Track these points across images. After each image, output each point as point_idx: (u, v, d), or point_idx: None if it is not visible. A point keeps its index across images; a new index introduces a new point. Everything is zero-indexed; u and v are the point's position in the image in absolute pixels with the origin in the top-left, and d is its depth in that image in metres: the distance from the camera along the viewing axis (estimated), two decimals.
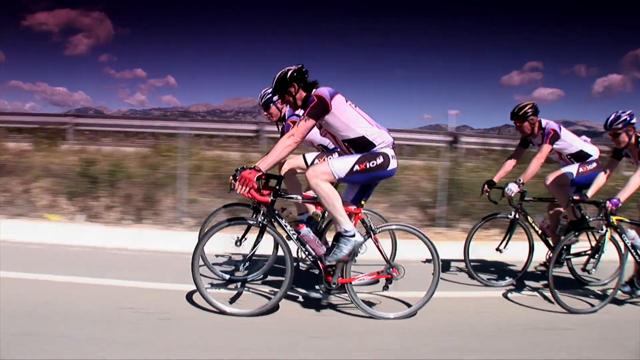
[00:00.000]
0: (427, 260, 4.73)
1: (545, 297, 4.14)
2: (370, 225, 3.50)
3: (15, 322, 3.03)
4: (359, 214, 3.49)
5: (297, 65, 3.42)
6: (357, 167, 3.33)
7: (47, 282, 3.96)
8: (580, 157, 4.74)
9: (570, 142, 4.73)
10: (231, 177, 3.61)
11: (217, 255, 4.73)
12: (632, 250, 4.04)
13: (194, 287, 3.46)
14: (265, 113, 4.44)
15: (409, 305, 3.68)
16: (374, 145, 3.39)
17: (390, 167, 3.41)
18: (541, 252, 4.75)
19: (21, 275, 4.07)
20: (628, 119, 4.09)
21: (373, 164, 3.35)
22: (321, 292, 3.50)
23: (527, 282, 4.70)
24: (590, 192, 4.17)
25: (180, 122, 10.04)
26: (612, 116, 4.12)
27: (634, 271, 4.18)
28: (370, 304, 3.64)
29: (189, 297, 3.67)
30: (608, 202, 3.84)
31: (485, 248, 5.06)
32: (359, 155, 3.37)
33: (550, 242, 4.72)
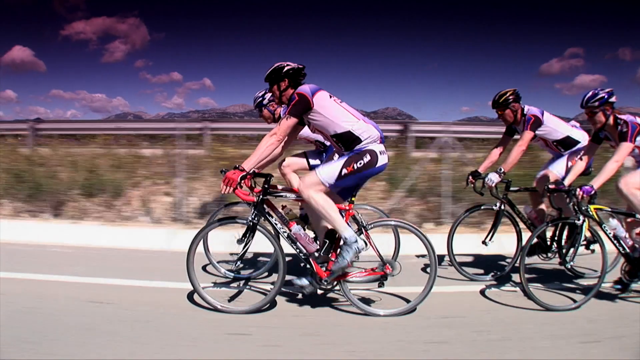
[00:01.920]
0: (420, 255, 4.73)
1: (525, 293, 3.83)
2: (362, 222, 3.47)
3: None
4: (350, 210, 3.46)
5: (299, 64, 3.43)
6: (345, 171, 3.30)
7: None
8: (568, 143, 4.51)
9: (555, 127, 4.50)
10: None
11: (230, 254, 4.80)
12: (615, 241, 3.77)
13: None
14: (259, 115, 4.49)
15: (407, 301, 3.62)
16: (361, 140, 3.35)
17: (379, 163, 3.37)
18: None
19: None
20: (605, 96, 3.80)
21: (360, 163, 3.31)
22: (312, 282, 3.49)
23: (513, 276, 4.49)
24: (567, 181, 3.92)
25: None
26: (589, 93, 3.85)
27: (622, 264, 3.90)
28: (367, 301, 3.61)
29: (190, 295, 3.74)
30: (578, 189, 3.57)
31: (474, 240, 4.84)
32: (345, 158, 3.34)
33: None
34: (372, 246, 3.47)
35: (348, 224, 3.42)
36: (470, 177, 4.60)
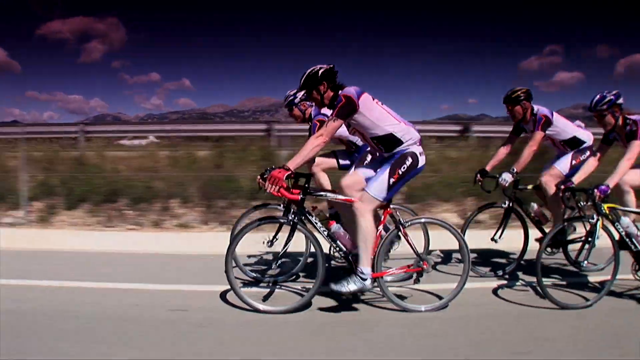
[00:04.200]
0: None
1: (538, 292, 3.85)
2: (400, 219, 3.54)
3: None
4: (388, 209, 3.53)
5: (328, 64, 3.45)
6: (392, 180, 3.38)
7: None
8: (574, 143, 4.60)
9: (563, 127, 4.60)
10: (259, 177, 3.67)
11: (248, 256, 4.80)
12: (627, 239, 3.83)
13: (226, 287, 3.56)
14: (289, 114, 4.51)
15: (440, 298, 3.70)
16: (402, 143, 3.43)
17: (420, 164, 3.47)
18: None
19: None
20: (613, 99, 3.86)
21: (404, 167, 3.40)
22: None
23: (521, 275, 4.54)
24: (576, 179, 3.98)
25: None
26: (597, 96, 3.92)
27: (632, 262, 3.93)
28: (401, 297, 3.67)
29: (223, 296, 3.77)
30: (596, 189, 3.64)
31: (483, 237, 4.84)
32: (388, 168, 3.41)
33: (546, 231, 4.50)
34: (410, 243, 3.55)
35: (385, 226, 3.52)
36: (479, 176, 4.67)
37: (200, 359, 2.83)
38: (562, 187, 3.92)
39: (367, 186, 3.44)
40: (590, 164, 4.11)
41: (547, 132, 4.52)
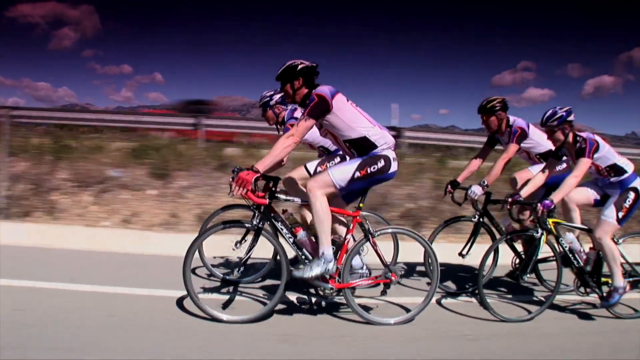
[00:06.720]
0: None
1: (481, 303, 3.75)
2: (369, 229, 3.41)
3: None
4: (357, 217, 3.40)
5: (312, 63, 3.32)
6: (358, 174, 3.24)
7: None
8: (549, 156, 4.38)
9: (539, 141, 4.45)
10: (231, 179, 3.45)
11: (214, 257, 4.59)
12: (570, 255, 3.85)
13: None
14: (262, 115, 4.32)
15: (407, 310, 3.60)
16: (376, 147, 3.30)
17: (391, 170, 3.33)
18: (507, 256, 4.38)
19: None
20: (564, 115, 3.78)
21: (374, 168, 3.26)
22: (320, 292, 3.41)
23: (468, 287, 4.45)
24: (524, 192, 3.93)
25: None
26: (549, 112, 3.83)
27: (574, 278, 3.96)
28: (367, 309, 3.55)
29: (179, 303, 3.53)
30: (539, 204, 3.64)
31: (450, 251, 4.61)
32: (359, 161, 3.28)
33: (516, 247, 4.40)
34: (378, 254, 3.43)
35: (353, 235, 3.40)
36: (449, 187, 4.46)
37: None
38: (510, 200, 3.87)
39: (331, 168, 3.29)
40: (539, 178, 4.04)
41: (523, 144, 4.40)
